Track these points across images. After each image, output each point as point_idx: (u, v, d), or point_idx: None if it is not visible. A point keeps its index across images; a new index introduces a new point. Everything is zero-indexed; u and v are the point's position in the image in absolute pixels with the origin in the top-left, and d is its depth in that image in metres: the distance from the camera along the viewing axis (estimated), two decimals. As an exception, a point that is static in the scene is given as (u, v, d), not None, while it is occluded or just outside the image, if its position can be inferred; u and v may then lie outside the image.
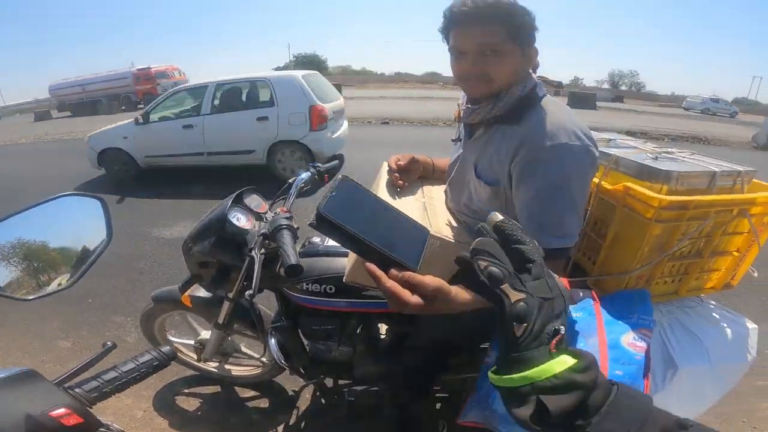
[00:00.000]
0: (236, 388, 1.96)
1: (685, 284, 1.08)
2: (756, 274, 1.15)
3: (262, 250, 1.14)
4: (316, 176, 1.44)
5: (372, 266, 0.59)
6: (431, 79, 37.18)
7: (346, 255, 1.25)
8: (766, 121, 11.43)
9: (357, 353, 1.34)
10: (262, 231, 1.15)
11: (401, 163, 1.09)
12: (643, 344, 0.85)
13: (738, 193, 0.98)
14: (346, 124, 6.05)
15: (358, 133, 8.89)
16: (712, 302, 1.15)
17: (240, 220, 1.30)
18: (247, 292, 1.02)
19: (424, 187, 1.16)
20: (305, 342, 1.39)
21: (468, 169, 1.01)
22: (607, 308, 0.94)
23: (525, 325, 0.42)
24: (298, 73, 5.31)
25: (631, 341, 0.85)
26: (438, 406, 1.60)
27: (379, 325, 1.40)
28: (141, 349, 0.78)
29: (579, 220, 0.87)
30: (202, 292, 1.51)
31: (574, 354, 0.42)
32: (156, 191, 5.06)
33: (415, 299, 0.63)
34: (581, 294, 1.07)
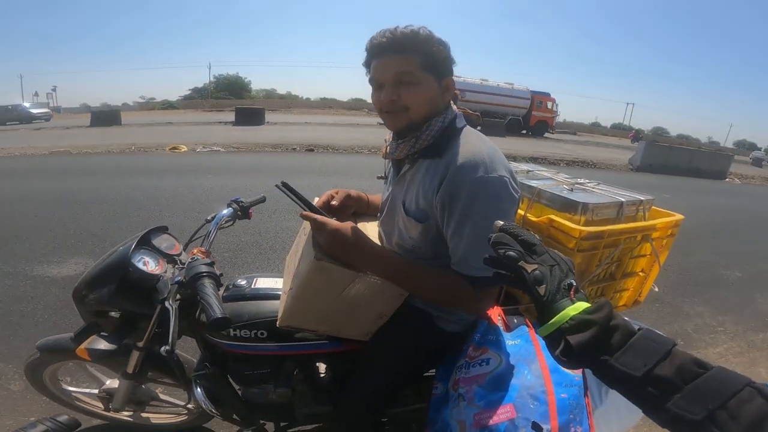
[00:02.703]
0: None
1: (603, 305, 1.16)
2: (657, 290, 1.29)
3: (177, 297, 1.01)
4: (238, 212, 1.33)
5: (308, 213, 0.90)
6: (357, 106, 37.96)
7: (276, 297, 1.16)
8: (639, 146, 13.55)
9: (297, 394, 1.24)
10: (176, 278, 1.01)
11: (335, 203, 1.04)
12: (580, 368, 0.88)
13: (641, 220, 1.09)
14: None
15: (283, 161, 8.68)
16: (626, 318, 1.26)
17: (148, 264, 1.14)
18: (163, 348, 0.90)
19: (359, 224, 1.13)
20: (237, 387, 1.26)
21: (397, 207, 1.00)
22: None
23: (544, 285, 0.55)
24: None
25: None
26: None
27: (318, 364, 1.31)
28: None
29: None
30: (102, 343, 1.28)
31: (589, 300, 0.55)
32: (37, 221, 4.29)
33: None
34: (515, 321, 1.10)
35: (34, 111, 23.65)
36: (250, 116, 16.98)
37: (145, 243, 1.17)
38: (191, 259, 1.04)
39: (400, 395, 1.23)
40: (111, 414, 1.57)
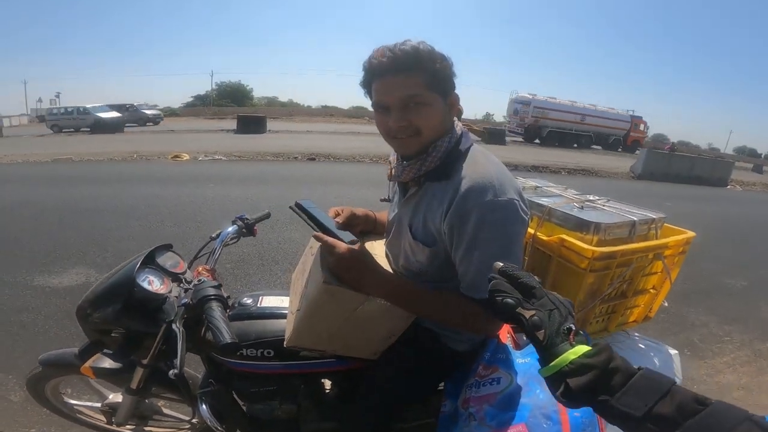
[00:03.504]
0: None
1: (614, 321, 1.16)
2: (666, 305, 1.28)
3: (184, 317, 0.99)
4: (243, 230, 1.32)
5: (319, 234, 0.88)
6: (358, 113, 38.14)
7: (282, 317, 1.14)
8: (641, 153, 13.55)
9: (302, 410, 1.22)
10: (183, 301, 1.00)
11: (339, 220, 1.02)
12: None
13: (652, 239, 1.08)
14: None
15: (285, 170, 8.70)
16: (636, 334, 1.24)
17: (153, 283, 1.12)
18: (171, 372, 0.89)
19: (366, 243, 1.11)
20: (241, 403, 1.25)
21: (403, 231, 0.98)
22: (552, 352, 0.96)
23: (542, 330, 0.55)
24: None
25: None
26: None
27: (323, 380, 1.30)
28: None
29: None
30: (107, 361, 1.27)
31: (589, 342, 0.55)
32: (38, 228, 4.26)
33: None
34: (525, 339, 1.09)
35: (149, 113, 25.36)
36: (252, 124, 17.07)
37: (149, 261, 1.16)
38: (198, 281, 1.03)
39: (408, 411, 1.21)
40: (113, 428, 1.55)
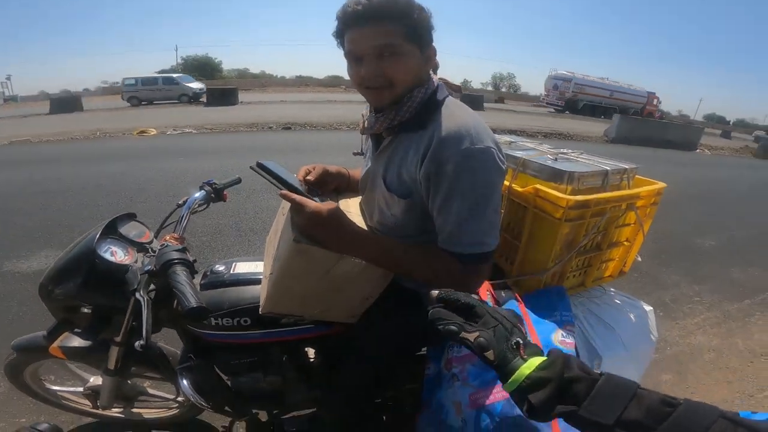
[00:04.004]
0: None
1: (590, 276, 1.17)
2: (640, 259, 1.30)
3: (151, 287, 0.95)
4: (212, 195, 1.25)
5: (286, 192, 0.84)
6: (334, 83, 37.03)
7: (257, 282, 1.11)
8: (615, 118, 13.80)
9: (287, 381, 1.21)
10: (146, 267, 0.94)
11: (310, 177, 0.98)
12: (571, 340, 0.88)
13: (625, 189, 1.09)
14: None
15: (259, 140, 8.43)
16: (612, 289, 1.27)
17: (116, 253, 1.07)
18: (137, 343, 0.86)
19: (341, 201, 1.08)
20: (224, 377, 1.23)
21: (377, 183, 0.95)
22: (531, 308, 0.97)
23: (491, 350, 0.55)
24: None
25: (561, 339, 0.87)
26: (384, 418, 1.53)
27: (307, 349, 1.28)
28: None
29: (492, 224, 0.85)
30: (76, 341, 1.24)
31: (541, 354, 0.55)
32: (1, 214, 4.02)
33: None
34: (503, 295, 1.09)
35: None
36: (223, 96, 16.33)
37: (111, 232, 1.10)
38: (161, 245, 0.97)
39: (393, 376, 1.22)
40: (100, 411, 1.50)
